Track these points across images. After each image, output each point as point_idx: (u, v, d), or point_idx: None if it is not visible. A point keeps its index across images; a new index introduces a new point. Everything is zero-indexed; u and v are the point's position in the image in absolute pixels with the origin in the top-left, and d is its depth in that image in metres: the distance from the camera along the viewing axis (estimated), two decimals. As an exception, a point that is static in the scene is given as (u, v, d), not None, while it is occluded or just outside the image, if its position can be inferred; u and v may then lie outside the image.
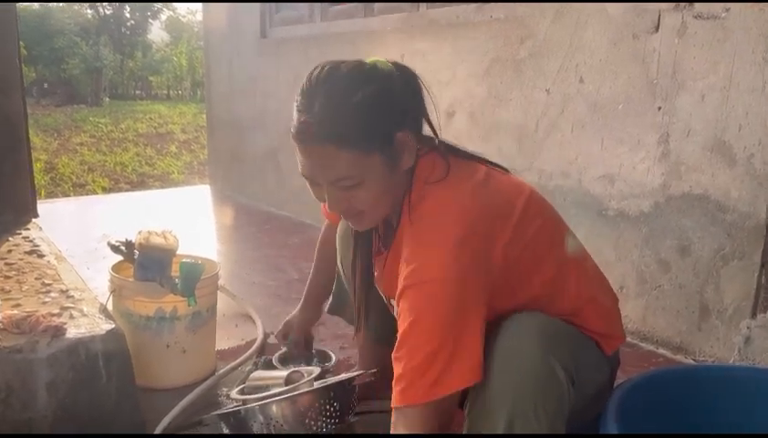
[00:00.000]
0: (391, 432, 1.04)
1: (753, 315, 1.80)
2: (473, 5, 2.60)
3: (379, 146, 1.05)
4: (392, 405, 1.03)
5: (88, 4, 21.10)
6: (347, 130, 1.02)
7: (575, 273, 1.18)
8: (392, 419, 1.04)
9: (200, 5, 4.87)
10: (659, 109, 1.94)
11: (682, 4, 1.85)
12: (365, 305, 1.36)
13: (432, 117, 1.16)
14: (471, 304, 1.01)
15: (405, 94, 1.09)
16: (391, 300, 1.26)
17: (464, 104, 2.60)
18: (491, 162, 1.20)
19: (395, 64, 1.11)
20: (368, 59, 1.10)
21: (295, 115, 1.05)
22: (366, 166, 1.04)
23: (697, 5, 1.82)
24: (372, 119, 1.04)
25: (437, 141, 1.15)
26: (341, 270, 1.56)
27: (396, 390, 1.02)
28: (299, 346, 1.74)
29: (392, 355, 1.04)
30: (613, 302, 1.26)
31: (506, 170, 1.23)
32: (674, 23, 1.88)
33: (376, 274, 1.30)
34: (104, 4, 20.87)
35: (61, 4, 20.86)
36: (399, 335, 1.03)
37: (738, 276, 1.82)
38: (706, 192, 1.86)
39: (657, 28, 1.92)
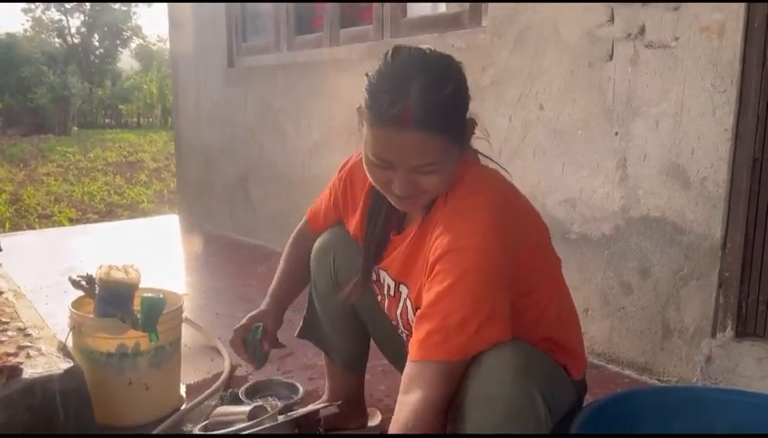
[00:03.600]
0: (405, 384, 1.04)
1: (713, 334, 1.84)
2: (435, 35, 2.65)
3: (461, 133, 1.12)
4: (416, 358, 1.04)
5: (55, 33, 20.94)
6: (444, 119, 1.06)
7: (557, 292, 1.24)
8: (408, 371, 1.04)
9: (167, 32, 4.87)
10: (617, 134, 1.99)
11: (634, 33, 1.91)
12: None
13: None
14: (503, 275, 1.06)
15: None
16: (400, 284, 1.28)
17: (429, 131, 2.63)
18: None
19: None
20: (424, 46, 1.14)
21: (377, 97, 1.06)
22: (449, 152, 1.09)
23: (648, 34, 1.88)
24: (459, 109, 1.10)
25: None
26: (314, 291, 1.54)
27: (428, 343, 1.03)
28: (267, 336, 1.50)
29: (420, 312, 1.07)
30: (578, 326, 1.30)
31: None
32: (627, 51, 1.94)
33: (385, 258, 1.31)
34: (72, 33, 20.74)
35: (28, 33, 20.67)
36: (433, 294, 1.05)
37: (697, 297, 1.86)
38: (663, 214, 1.91)
39: (611, 57, 1.98)
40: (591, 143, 2.07)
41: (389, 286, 1.32)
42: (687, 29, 1.80)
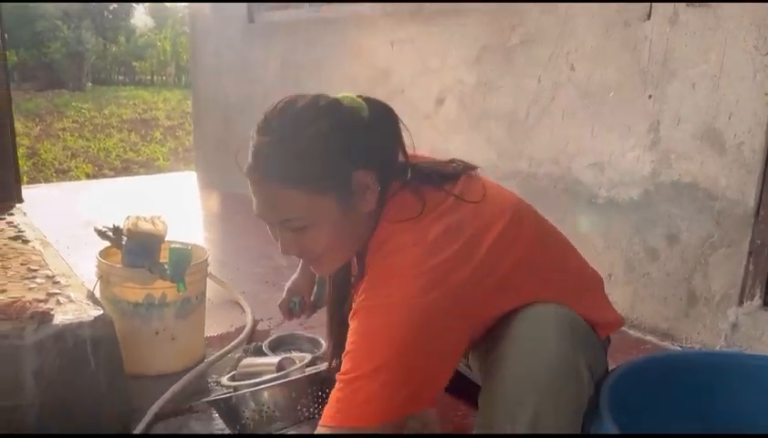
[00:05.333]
0: None
1: (740, 302, 1.82)
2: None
3: (333, 185, 1.00)
4: (321, 422, 0.97)
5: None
6: (296, 168, 0.98)
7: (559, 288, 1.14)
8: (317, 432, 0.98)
9: (185, -12, 4.79)
10: (650, 96, 1.94)
11: (674, -9, 1.85)
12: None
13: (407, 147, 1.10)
14: (419, 334, 0.95)
15: (371, 130, 1.04)
16: None
17: (454, 91, 2.59)
18: (469, 166, 1.15)
19: (366, 99, 1.06)
20: (339, 95, 1.05)
21: (249, 152, 1.02)
22: (316, 207, 1.00)
23: (689, -8, 1.82)
24: (325, 156, 0.99)
25: (409, 176, 1.07)
26: None
27: (328, 406, 0.97)
28: (305, 307, 1.60)
29: (336, 376, 1.00)
30: (595, 291, 1.25)
31: (475, 168, 1.16)
32: (666, 10, 1.87)
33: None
34: (86, -13, 20.50)
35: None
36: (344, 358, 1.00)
37: (726, 264, 1.84)
38: (695, 180, 1.87)
39: (648, 16, 1.92)
40: (623, 106, 2.02)
41: None
42: (730, -12, 1.73)
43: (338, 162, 1.00)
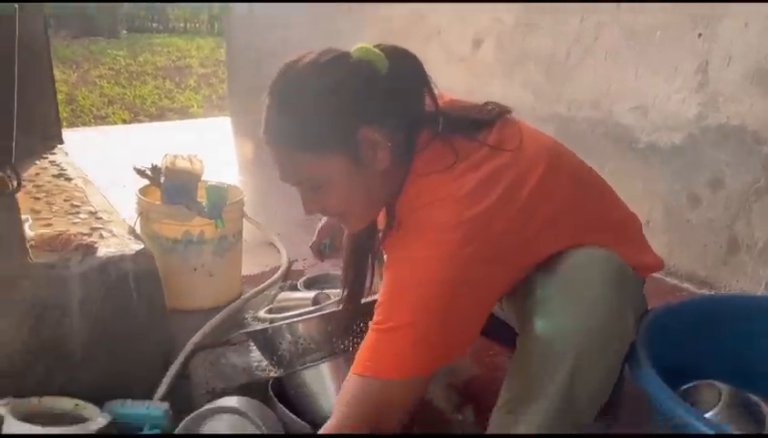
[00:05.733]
0: (341, 397, 1.01)
1: (784, 250, 1.78)
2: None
3: (338, 145, 0.98)
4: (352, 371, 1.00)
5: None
6: (299, 130, 0.97)
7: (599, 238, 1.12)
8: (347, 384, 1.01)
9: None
10: (700, 35, 1.86)
11: None
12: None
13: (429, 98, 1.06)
14: (456, 289, 0.94)
15: (391, 82, 0.99)
16: None
17: (492, 32, 2.52)
18: (505, 109, 1.10)
19: (385, 48, 1.01)
20: (354, 47, 1.01)
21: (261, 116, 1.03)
22: (326, 167, 0.99)
23: None
24: (326, 115, 0.97)
25: (440, 126, 1.02)
26: None
27: (360, 354, 0.99)
28: (336, 248, 1.61)
29: (369, 324, 1.01)
30: (636, 234, 1.24)
31: (510, 111, 1.11)
32: (721, -58, 1.77)
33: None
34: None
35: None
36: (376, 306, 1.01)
37: (771, 211, 1.78)
38: (743, 123, 1.80)
39: (701, -51, 1.82)
40: (670, 45, 1.94)
41: None
42: None
43: (342, 121, 0.97)
